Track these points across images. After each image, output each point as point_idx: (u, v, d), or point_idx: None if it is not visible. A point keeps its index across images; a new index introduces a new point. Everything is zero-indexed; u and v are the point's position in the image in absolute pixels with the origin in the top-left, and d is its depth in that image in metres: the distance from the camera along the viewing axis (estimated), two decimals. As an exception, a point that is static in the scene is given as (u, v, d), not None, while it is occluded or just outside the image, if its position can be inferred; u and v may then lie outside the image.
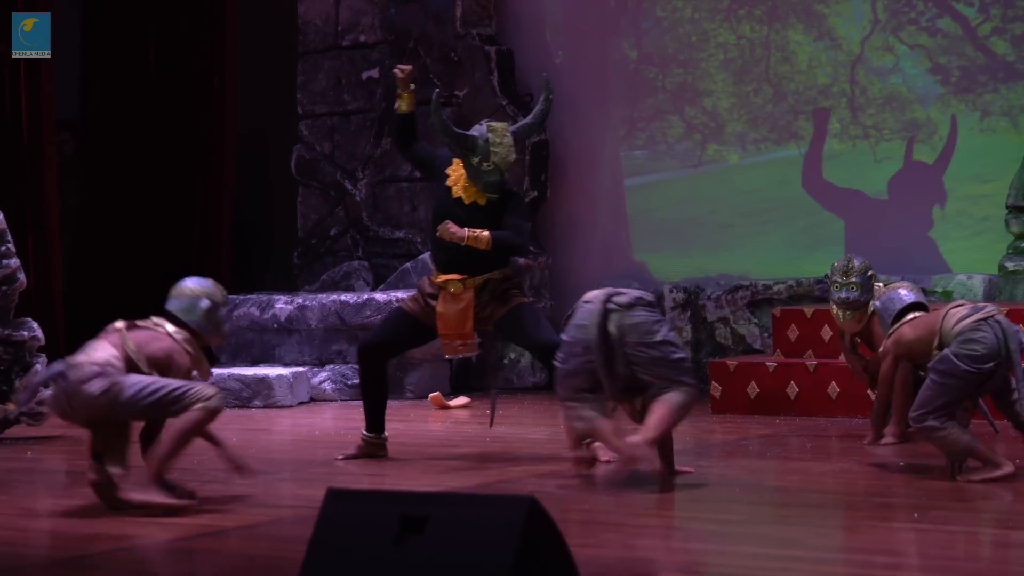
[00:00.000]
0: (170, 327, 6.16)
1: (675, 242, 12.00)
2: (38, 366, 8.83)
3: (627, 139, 12.27)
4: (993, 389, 6.69)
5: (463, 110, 12.20)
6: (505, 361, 11.78)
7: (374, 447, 7.71)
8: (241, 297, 11.72)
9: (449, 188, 7.49)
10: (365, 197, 12.71)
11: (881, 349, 7.45)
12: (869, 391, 8.24)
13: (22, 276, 8.85)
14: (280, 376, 10.77)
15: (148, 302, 12.52)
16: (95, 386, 5.77)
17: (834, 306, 8.08)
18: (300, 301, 11.40)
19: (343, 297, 11.31)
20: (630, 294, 6.59)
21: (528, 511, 3.87)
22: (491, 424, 8.11)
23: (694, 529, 5.83)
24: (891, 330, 7.20)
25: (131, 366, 5.91)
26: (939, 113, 11.14)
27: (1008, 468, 6.56)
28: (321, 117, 12.93)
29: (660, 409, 6.40)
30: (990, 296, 10.27)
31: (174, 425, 5.88)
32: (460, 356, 7.75)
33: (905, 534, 5.38)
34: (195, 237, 12.70)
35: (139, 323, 6.15)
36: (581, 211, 12.27)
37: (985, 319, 6.55)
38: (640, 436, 6.38)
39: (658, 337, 6.48)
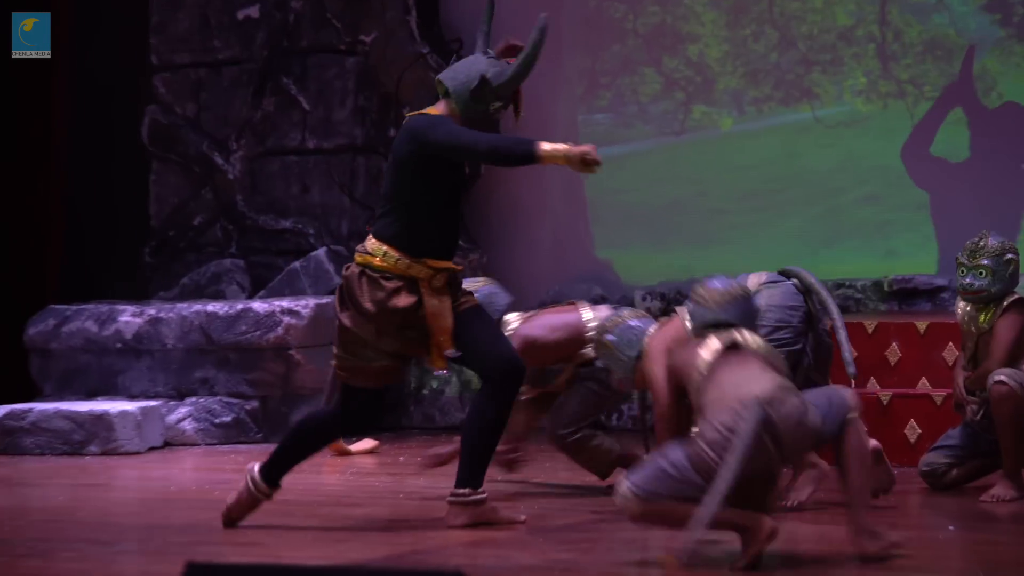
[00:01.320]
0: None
1: (649, 234, 12.07)
2: None
3: (586, 99, 12.29)
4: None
5: (370, 61, 12.17)
6: (425, 392, 11.73)
7: (259, 499, 7.54)
8: (73, 308, 11.68)
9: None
10: (240, 175, 12.67)
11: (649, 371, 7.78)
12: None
13: None
14: (124, 413, 10.73)
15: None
16: (811, 416, 6.36)
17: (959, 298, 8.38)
18: (152, 313, 11.38)
19: (210, 307, 11.32)
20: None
21: (454, 591, 3.86)
22: None
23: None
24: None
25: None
26: (998, 64, 11.16)
27: None
28: (183, 69, 12.91)
29: None
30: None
31: (854, 454, 6.43)
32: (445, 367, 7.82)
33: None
34: (10, 227, 12.63)
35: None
36: (525, 194, 12.28)
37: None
38: None
39: None
